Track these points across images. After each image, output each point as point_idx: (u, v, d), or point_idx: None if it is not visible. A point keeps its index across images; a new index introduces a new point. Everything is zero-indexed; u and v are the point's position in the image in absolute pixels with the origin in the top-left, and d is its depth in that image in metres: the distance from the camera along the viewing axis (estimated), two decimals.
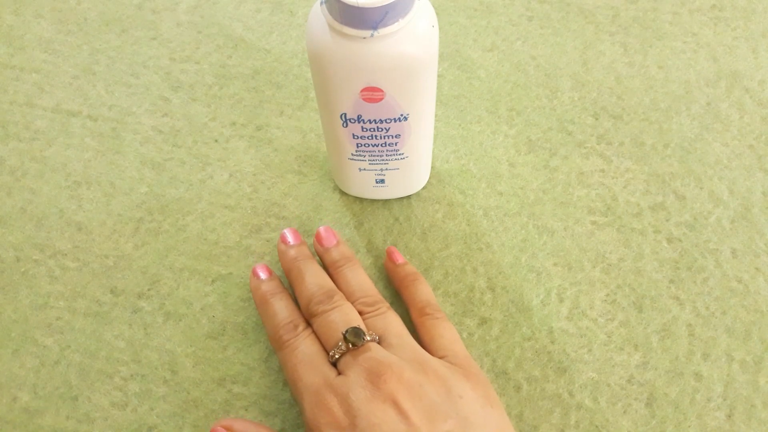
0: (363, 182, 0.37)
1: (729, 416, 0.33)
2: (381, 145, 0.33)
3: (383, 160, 0.34)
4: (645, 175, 0.40)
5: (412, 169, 0.36)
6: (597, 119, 0.42)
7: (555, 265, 0.37)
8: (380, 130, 0.32)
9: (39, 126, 0.42)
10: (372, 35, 0.27)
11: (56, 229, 0.39)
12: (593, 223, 0.38)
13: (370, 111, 0.31)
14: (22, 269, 0.37)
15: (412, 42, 0.28)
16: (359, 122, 0.31)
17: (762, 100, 0.42)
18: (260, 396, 0.33)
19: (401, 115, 0.31)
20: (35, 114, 0.43)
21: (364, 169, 0.35)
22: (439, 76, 0.44)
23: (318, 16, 0.28)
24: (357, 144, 0.33)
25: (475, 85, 0.43)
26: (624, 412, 0.33)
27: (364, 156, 0.34)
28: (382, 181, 0.36)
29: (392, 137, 0.33)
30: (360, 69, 0.28)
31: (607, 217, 0.38)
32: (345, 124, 0.32)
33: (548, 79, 0.43)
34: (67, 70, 0.44)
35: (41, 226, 0.39)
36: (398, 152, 0.34)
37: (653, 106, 0.42)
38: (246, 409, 0.33)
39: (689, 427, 0.32)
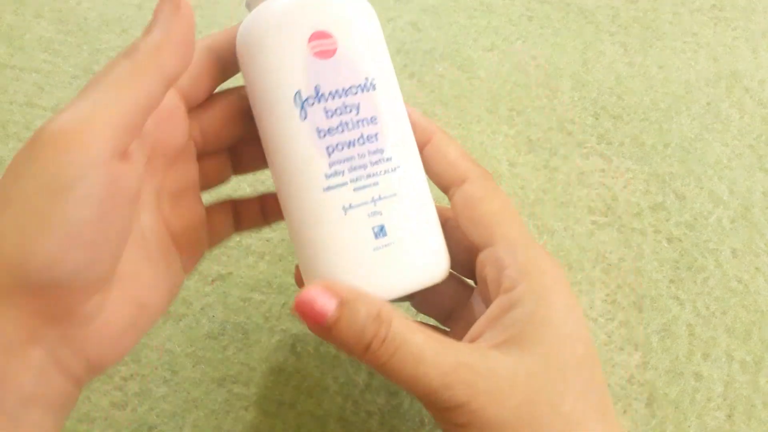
0: (356, 244, 0.24)
1: (729, 416, 0.33)
2: (358, 140, 0.25)
3: (369, 174, 0.25)
4: (645, 175, 0.40)
5: (415, 201, 0.26)
6: (597, 119, 0.42)
7: None
8: (348, 109, 0.25)
9: (39, 126, 0.42)
10: None
11: None
12: (593, 222, 0.38)
13: (328, 76, 0.25)
14: None
15: None
16: (320, 100, 0.24)
17: (762, 100, 0.42)
18: (260, 396, 0.33)
19: (366, 79, 0.25)
20: (35, 114, 0.43)
21: (351, 207, 0.24)
22: (439, 76, 0.44)
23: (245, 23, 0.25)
24: (328, 147, 0.24)
25: (475, 84, 0.43)
26: (624, 412, 0.33)
27: (343, 171, 0.24)
28: (382, 230, 0.25)
29: (367, 122, 0.25)
30: (302, 12, 0.25)
31: (607, 217, 0.38)
32: (303, 114, 0.24)
33: (548, 79, 0.43)
34: (67, 70, 0.44)
35: None
36: (383, 155, 0.25)
37: (653, 106, 0.42)
38: (246, 410, 0.33)
39: (689, 427, 0.32)
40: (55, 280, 0.20)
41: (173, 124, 0.25)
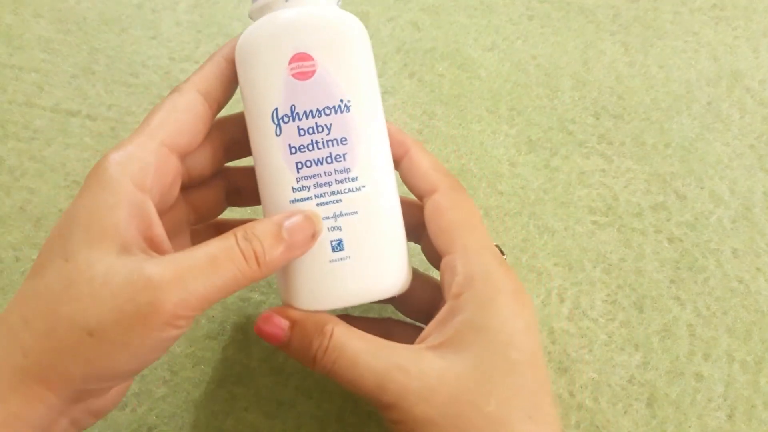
0: (315, 255, 0.27)
1: (730, 416, 0.32)
2: (326, 158, 0.26)
3: (333, 191, 0.26)
4: (646, 175, 0.40)
5: (378, 219, 0.27)
6: (598, 119, 0.42)
7: (556, 265, 0.37)
8: (320, 129, 0.26)
9: (38, 125, 0.42)
10: None
11: None
12: (594, 222, 0.38)
13: (304, 97, 0.26)
14: (21, 269, 0.37)
15: (335, 9, 0.27)
16: (294, 119, 0.26)
17: (763, 100, 0.42)
18: (260, 396, 0.33)
19: (341, 101, 0.26)
20: (34, 113, 0.43)
21: None
22: (439, 75, 0.43)
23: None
24: (297, 163, 0.26)
25: (476, 84, 0.43)
26: (625, 412, 0.33)
27: (309, 186, 0.26)
28: (340, 245, 0.27)
29: (337, 142, 0.26)
30: (285, 33, 0.26)
31: (607, 217, 0.38)
32: (278, 130, 0.26)
33: (549, 79, 0.43)
34: (66, 69, 0.44)
35: (40, 225, 0.39)
36: (349, 174, 0.27)
37: (654, 106, 0.42)
38: (246, 410, 0.33)
39: (690, 427, 0.32)
40: (104, 387, 0.24)
41: (175, 187, 0.27)
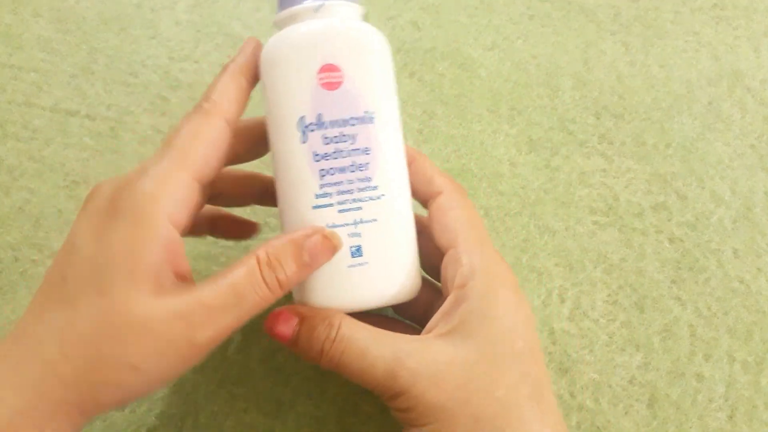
0: (335, 259, 0.27)
1: (730, 417, 0.32)
2: (349, 167, 0.27)
3: (354, 199, 0.27)
4: (647, 175, 0.39)
5: (395, 226, 0.28)
6: (598, 119, 0.42)
7: (556, 265, 0.37)
8: (345, 138, 0.27)
9: (37, 125, 0.42)
10: (322, 5, 0.27)
11: (54, 229, 0.38)
12: (595, 223, 0.38)
13: (331, 107, 0.27)
14: (21, 269, 0.37)
15: (361, 22, 0.29)
16: (320, 127, 0.27)
17: (764, 100, 0.42)
18: (260, 397, 0.33)
19: (365, 112, 0.27)
20: (33, 113, 0.43)
21: (334, 226, 0.27)
22: (439, 75, 0.43)
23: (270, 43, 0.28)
24: (321, 171, 0.27)
25: (476, 84, 0.43)
26: (625, 413, 0.33)
27: (331, 193, 0.27)
28: (359, 251, 0.28)
29: (360, 152, 0.27)
30: (316, 44, 0.27)
31: (608, 217, 0.38)
32: (304, 138, 0.27)
33: (549, 78, 0.43)
34: (66, 69, 0.44)
35: (39, 225, 0.38)
36: (370, 183, 0.27)
37: (655, 106, 0.42)
38: (245, 411, 0.33)
39: (691, 428, 0.32)
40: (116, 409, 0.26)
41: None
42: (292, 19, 0.28)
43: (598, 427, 0.32)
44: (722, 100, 0.42)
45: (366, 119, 0.28)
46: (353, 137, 0.27)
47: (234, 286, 0.24)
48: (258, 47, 0.28)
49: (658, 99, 0.42)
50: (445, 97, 0.43)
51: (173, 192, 0.25)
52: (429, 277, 0.32)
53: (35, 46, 0.45)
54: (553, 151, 0.40)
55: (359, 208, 0.27)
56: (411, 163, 0.30)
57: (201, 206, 0.29)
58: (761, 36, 0.45)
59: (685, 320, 0.35)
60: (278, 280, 0.25)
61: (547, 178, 0.39)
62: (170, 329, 0.23)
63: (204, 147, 0.26)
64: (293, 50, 0.27)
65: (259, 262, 0.25)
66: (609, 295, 0.36)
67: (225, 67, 0.28)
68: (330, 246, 0.26)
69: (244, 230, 0.35)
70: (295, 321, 0.27)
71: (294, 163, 0.27)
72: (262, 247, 0.25)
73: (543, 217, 0.38)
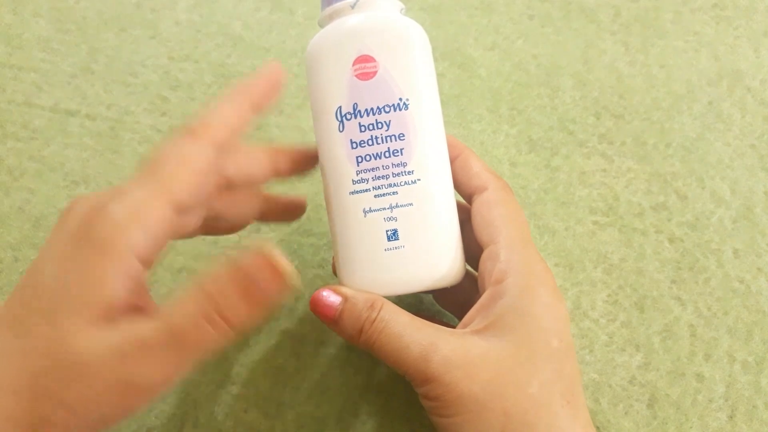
0: (371, 243, 0.28)
1: (731, 417, 0.32)
2: (385, 152, 0.28)
3: (390, 184, 0.28)
4: (647, 175, 0.39)
5: (432, 211, 0.29)
6: (598, 118, 0.42)
7: (556, 265, 0.37)
8: (380, 125, 0.28)
9: (37, 125, 0.42)
10: (357, 1, 0.29)
11: None
12: (595, 223, 0.38)
13: (366, 96, 0.28)
14: (21, 269, 0.37)
15: (397, 15, 0.29)
16: (356, 116, 0.28)
17: (764, 100, 0.42)
18: (260, 397, 0.33)
19: (400, 99, 0.28)
20: (33, 113, 0.43)
21: (370, 210, 0.28)
22: (439, 75, 0.43)
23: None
24: (357, 157, 0.28)
25: (476, 83, 0.43)
26: (625, 413, 0.33)
27: (367, 180, 0.28)
28: (395, 234, 0.28)
29: (395, 138, 0.28)
30: (350, 37, 0.28)
31: (608, 217, 0.38)
32: (341, 126, 0.28)
33: (549, 78, 0.43)
34: (66, 69, 0.44)
35: (39, 225, 0.38)
36: (406, 168, 0.28)
37: (655, 106, 0.42)
38: (246, 411, 0.33)
39: (691, 428, 0.32)
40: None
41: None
42: (330, 17, 0.29)
43: (598, 427, 0.32)
44: (722, 100, 0.42)
45: (400, 106, 0.28)
46: (387, 124, 0.28)
47: (171, 325, 0.22)
48: (276, 72, 0.29)
49: (658, 99, 0.42)
50: (444, 97, 0.43)
51: (145, 222, 0.23)
52: (471, 269, 0.31)
53: (35, 46, 0.45)
54: (553, 151, 0.40)
55: (395, 193, 0.28)
56: (457, 157, 0.30)
57: (190, 229, 0.28)
58: (761, 36, 0.45)
59: (685, 320, 0.35)
60: (225, 318, 0.23)
61: (547, 178, 0.39)
62: (106, 368, 0.22)
63: (187, 174, 0.25)
64: (330, 45, 0.29)
65: (202, 297, 0.23)
66: (609, 295, 0.36)
67: (232, 88, 0.28)
68: (276, 273, 0.23)
69: (292, 210, 0.34)
70: (338, 301, 0.27)
71: (334, 152, 0.29)
72: (208, 278, 0.23)
73: (543, 217, 0.38)
